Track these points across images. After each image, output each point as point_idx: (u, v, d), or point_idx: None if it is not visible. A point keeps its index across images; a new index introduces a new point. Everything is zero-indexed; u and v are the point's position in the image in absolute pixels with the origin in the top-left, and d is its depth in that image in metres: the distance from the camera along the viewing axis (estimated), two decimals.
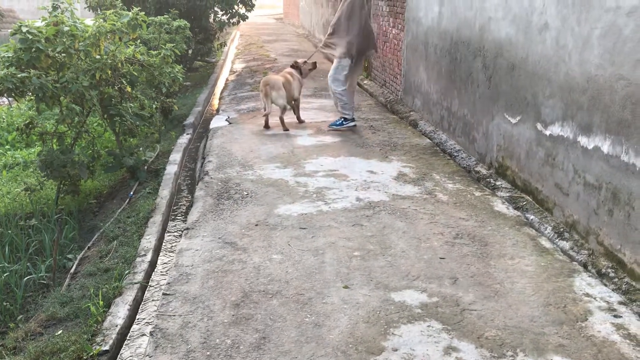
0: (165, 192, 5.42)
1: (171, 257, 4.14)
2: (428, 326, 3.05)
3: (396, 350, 2.83)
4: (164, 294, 3.41)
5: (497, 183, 5.22)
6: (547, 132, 4.49)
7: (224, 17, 12.68)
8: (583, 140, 4.02)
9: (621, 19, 3.59)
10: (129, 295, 3.61)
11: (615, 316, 3.13)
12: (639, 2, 3.42)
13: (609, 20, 3.70)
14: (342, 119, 7.38)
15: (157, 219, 4.83)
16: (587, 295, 3.35)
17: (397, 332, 2.97)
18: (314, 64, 8.05)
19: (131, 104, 6.18)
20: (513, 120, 5.05)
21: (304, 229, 4.27)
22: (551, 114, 4.43)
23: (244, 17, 12.82)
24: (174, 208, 5.29)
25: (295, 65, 7.82)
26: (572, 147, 4.15)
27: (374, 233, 4.18)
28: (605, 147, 3.76)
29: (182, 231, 4.44)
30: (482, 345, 2.89)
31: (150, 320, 3.25)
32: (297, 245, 4.01)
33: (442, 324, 3.06)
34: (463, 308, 3.20)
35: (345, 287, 3.43)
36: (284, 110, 7.32)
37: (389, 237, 4.13)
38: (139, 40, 7.08)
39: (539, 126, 4.60)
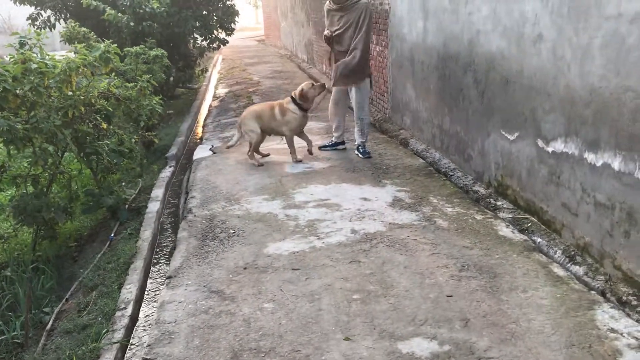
0: (147, 234, 5.08)
1: (154, 309, 3.79)
2: None
3: None
4: (143, 358, 3.06)
5: (498, 203, 4.93)
6: (550, 149, 4.21)
7: (204, 43, 12.42)
8: (590, 156, 3.74)
9: (624, 26, 3.33)
10: (107, 359, 3.27)
11: None
12: None
13: (611, 28, 3.45)
14: (362, 146, 6.82)
15: (138, 264, 4.50)
16: (613, 330, 3.05)
17: None
18: (322, 85, 6.77)
19: (107, 141, 5.86)
20: (511, 137, 4.78)
21: (297, 269, 3.94)
22: (552, 130, 4.16)
23: (224, 42, 12.57)
24: (157, 250, 4.95)
25: (293, 97, 6.60)
26: (579, 165, 3.87)
27: (373, 270, 3.86)
28: (616, 163, 3.48)
29: (165, 279, 4.10)
30: None
31: None
32: (290, 290, 3.68)
33: None
34: (479, 357, 2.88)
35: (347, 338, 3.09)
36: (250, 144, 6.69)
37: (389, 274, 3.81)
38: (113, 73, 6.79)
39: (540, 142, 4.33)
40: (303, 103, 6.49)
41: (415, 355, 2.92)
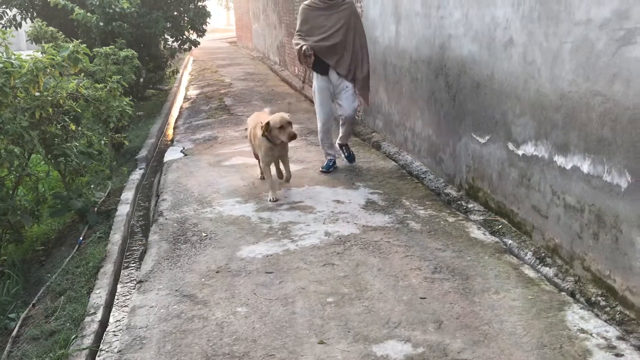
0: (116, 237, 4.99)
1: (124, 314, 3.72)
2: None
3: None
4: None
5: (469, 206, 4.98)
6: (520, 152, 4.27)
7: (175, 44, 12.30)
8: (560, 160, 3.80)
9: (593, 32, 3.40)
10: None
11: (616, 355, 2.87)
12: (611, 14, 3.23)
13: (580, 33, 3.51)
14: (346, 147, 6.59)
15: (108, 268, 4.40)
16: (583, 331, 3.09)
17: None
18: (294, 136, 5.37)
19: (76, 143, 5.74)
20: (482, 140, 4.83)
21: (271, 273, 3.91)
22: (523, 133, 4.21)
23: (195, 43, 12.47)
24: (127, 254, 4.86)
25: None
26: (549, 168, 3.93)
27: (347, 273, 3.85)
28: (585, 167, 3.54)
29: (136, 283, 4.02)
30: None
31: None
32: (263, 293, 3.65)
33: None
34: (452, 358, 2.89)
35: (321, 342, 3.07)
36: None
37: (363, 276, 3.81)
38: (82, 74, 6.67)
39: (511, 146, 4.39)
40: (268, 135, 5.41)
41: (390, 357, 2.92)
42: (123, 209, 5.66)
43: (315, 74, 6.21)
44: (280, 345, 3.06)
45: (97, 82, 6.68)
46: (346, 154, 6.57)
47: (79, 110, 5.67)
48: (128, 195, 6.11)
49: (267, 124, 5.32)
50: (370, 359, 2.91)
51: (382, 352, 2.96)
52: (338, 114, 6.35)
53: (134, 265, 4.60)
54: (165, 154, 7.62)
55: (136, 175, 6.86)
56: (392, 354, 2.95)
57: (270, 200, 5.38)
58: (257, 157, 5.92)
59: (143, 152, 7.86)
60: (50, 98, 5.21)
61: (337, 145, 6.57)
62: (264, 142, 5.42)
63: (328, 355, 2.95)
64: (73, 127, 5.66)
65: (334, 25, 5.94)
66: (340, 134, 6.51)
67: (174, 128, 9.62)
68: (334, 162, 6.39)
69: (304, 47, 5.84)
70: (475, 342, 3.03)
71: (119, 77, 6.54)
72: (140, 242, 5.09)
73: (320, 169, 6.34)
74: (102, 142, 6.57)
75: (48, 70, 5.22)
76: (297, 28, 6.13)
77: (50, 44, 5.91)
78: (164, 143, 8.88)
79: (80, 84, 5.84)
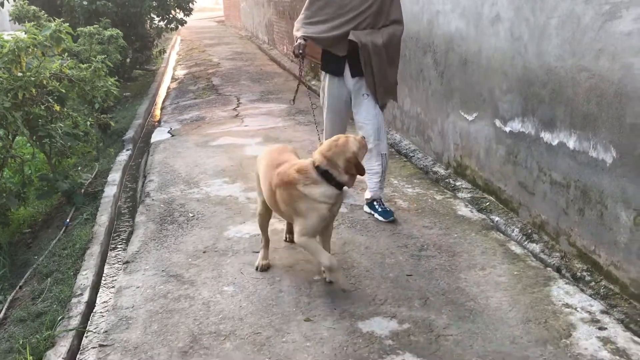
0: (103, 218, 4.95)
1: (111, 295, 3.70)
2: None
3: None
4: (100, 345, 2.99)
5: (457, 184, 4.98)
6: (507, 129, 4.26)
7: (161, 23, 12.14)
8: (546, 136, 3.80)
9: (579, 6, 3.37)
10: (63, 346, 3.17)
11: (600, 328, 2.89)
12: None
13: (566, 8, 3.48)
14: (379, 201, 4.43)
15: (94, 250, 4.38)
16: (567, 305, 3.11)
17: None
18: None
19: (61, 124, 5.67)
20: (469, 118, 4.81)
21: (258, 252, 3.90)
22: (510, 110, 4.20)
23: (182, 22, 12.30)
24: (114, 235, 4.83)
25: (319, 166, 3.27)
26: (535, 144, 3.93)
27: (334, 251, 3.84)
28: (571, 142, 3.54)
29: (123, 264, 4.01)
30: None
31: None
32: (250, 272, 3.64)
33: (417, 356, 2.75)
34: (438, 334, 2.91)
35: (307, 319, 3.08)
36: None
37: (350, 254, 3.81)
38: (66, 54, 6.56)
39: (498, 123, 4.38)
40: (341, 175, 3.26)
41: (375, 334, 2.93)
42: (110, 190, 5.61)
43: (324, 75, 4.45)
44: (266, 323, 3.06)
45: (82, 62, 6.58)
46: (380, 208, 4.41)
47: (63, 90, 5.59)
48: (115, 176, 6.06)
49: (353, 157, 3.24)
50: (356, 335, 2.92)
51: (367, 329, 2.98)
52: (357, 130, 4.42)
53: (121, 246, 4.58)
54: (153, 135, 7.55)
55: (123, 156, 6.80)
56: (377, 330, 2.96)
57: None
58: (264, 220, 3.75)
59: (130, 133, 7.79)
60: (33, 78, 5.13)
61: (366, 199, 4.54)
62: (322, 192, 3.20)
63: (314, 332, 2.95)
64: (57, 108, 5.58)
65: (361, 4, 4.08)
66: (370, 182, 4.41)
67: (161, 109, 9.53)
68: (383, 209, 4.42)
69: (297, 40, 4.11)
70: (461, 318, 3.05)
71: (103, 57, 6.44)
72: (127, 224, 5.06)
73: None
74: (88, 123, 6.50)
75: (30, 50, 5.13)
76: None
77: (32, 23, 5.80)
78: (151, 124, 8.80)
79: (64, 65, 5.75)
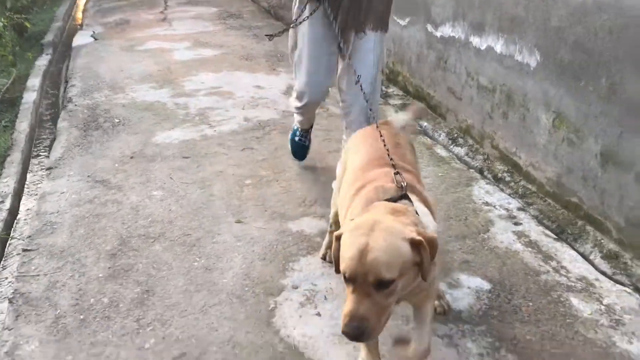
0: (24, 125, 4.70)
1: (35, 202, 3.59)
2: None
3: (297, 287, 2.58)
4: (24, 249, 2.91)
5: (389, 90, 5.00)
6: (438, 34, 4.26)
7: None
8: (475, 40, 3.83)
9: None
10: None
11: (515, 224, 3.07)
12: None
13: None
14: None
15: (15, 157, 4.19)
16: (487, 204, 3.27)
17: (297, 267, 2.72)
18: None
19: None
20: (402, 23, 4.77)
21: (188, 157, 3.84)
22: (442, 14, 4.18)
23: None
24: (36, 143, 4.62)
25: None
26: (464, 49, 3.96)
27: (265, 156, 3.84)
28: (499, 46, 3.59)
29: (45, 170, 3.86)
30: None
31: (11, 283, 2.76)
32: (180, 177, 3.59)
33: None
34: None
35: (238, 221, 3.10)
36: None
37: (282, 159, 3.82)
38: None
39: (429, 27, 4.36)
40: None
41: (305, 232, 3.00)
42: (29, 97, 5.31)
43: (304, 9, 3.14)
44: (197, 226, 3.07)
45: None
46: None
47: None
48: (34, 82, 5.72)
49: None
50: (286, 234, 2.98)
51: (297, 228, 3.04)
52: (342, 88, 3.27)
53: (44, 153, 4.39)
54: (74, 39, 7.11)
55: (43, 61, 6.40)
56: (307, 229, 3.02)
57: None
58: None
59: (49, 37, 7.29)
60: None
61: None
62: None
63: (245, 233, 2.99)
64: None
65: None
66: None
67: (83, 11, 8.94)
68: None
69: None
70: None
71: None
72: (49, 131, 4.83)
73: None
74: (0, 24, 6.02)
75: None
76: None
77: None
78: (72, 27, 8.26)
79: None
